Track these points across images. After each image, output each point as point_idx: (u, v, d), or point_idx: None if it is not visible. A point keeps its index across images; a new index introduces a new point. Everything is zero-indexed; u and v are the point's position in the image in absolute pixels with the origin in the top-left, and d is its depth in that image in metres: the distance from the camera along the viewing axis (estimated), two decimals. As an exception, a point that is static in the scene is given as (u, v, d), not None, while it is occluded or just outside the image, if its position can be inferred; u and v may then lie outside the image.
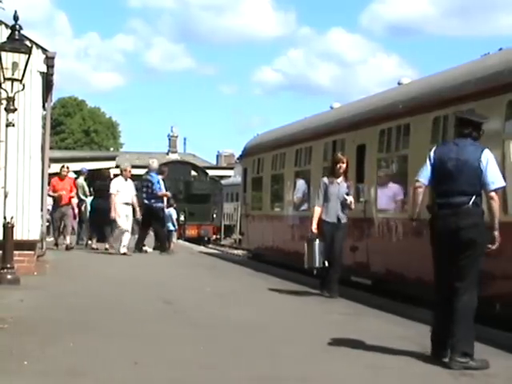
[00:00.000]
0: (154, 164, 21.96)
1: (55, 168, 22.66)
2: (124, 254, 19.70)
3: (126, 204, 19.98)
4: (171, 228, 23.56)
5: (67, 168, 22.37)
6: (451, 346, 7.61)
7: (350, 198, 12.93)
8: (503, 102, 11.24)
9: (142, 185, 21.25)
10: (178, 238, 25.17)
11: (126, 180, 20.30)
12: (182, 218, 23.83)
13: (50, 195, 21.60)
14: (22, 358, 7.30)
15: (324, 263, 12.70)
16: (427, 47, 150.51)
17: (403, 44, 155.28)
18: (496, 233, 7.74)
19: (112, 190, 19.94)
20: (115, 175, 23.97)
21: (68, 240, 21.53)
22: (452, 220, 7.65)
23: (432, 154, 7.93)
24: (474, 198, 7.68)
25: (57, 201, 21.59)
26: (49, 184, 20.40)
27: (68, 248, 21.20)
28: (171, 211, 23.49)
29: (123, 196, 19.96)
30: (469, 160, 7.72)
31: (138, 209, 20.36)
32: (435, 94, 13.52)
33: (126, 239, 20.04)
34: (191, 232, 25.20)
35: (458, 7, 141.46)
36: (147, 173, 21.76)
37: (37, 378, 6.69)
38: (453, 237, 7.64)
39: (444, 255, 7.79)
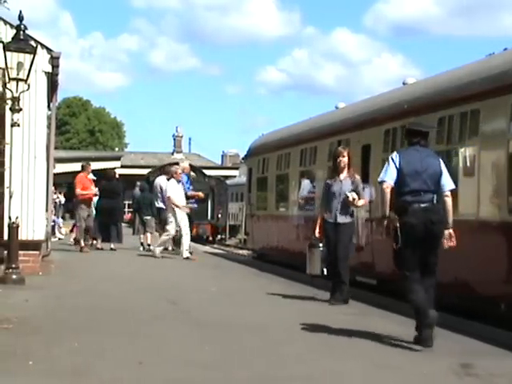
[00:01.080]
0: (185, 164, 21.88)
1: (60, 168, 22.58)
2: (187, 258, 19.22)
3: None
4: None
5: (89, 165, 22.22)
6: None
7: (352, 195, 11.89)
8: (508, 102, 11.23)
9: None
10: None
11: (178, 182, 19.89)
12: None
13: (82, 194, 20.97)
14: (26, 357, 7.31)
15: (323, 271, 12.47)
16: (432, 47, 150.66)
17: (408, 44, 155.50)
18: (451, 230, 8.64)
19: (170, 192, 19.54)
20: (117, 175, 23.92)
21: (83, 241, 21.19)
22: (423, 215, 8.41)
23: (396, 158, 8.61)
24: (436, 196, 8.59)
25: (86, 200, 21.07)
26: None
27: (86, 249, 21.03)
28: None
29: (178, 199, 19.59)
30: (432, 163, 8.64)
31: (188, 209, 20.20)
32: (440, 94, 13.50)
33: (187, 243, 19.66)
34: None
35: (462, 7, 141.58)
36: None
37: (41, 378, 6.70)
38: (425, 230, 8.41)
39: (416, 246, 8.45)
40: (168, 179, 22.80)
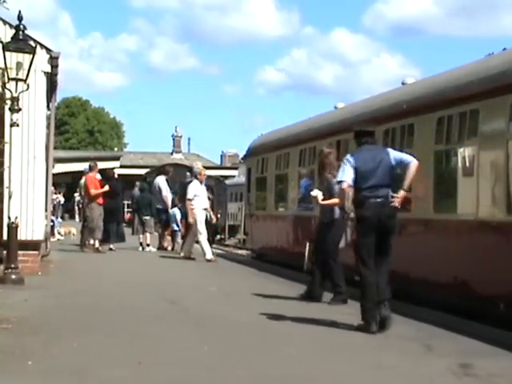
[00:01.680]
0: (198, 166, 21.84)
1: (59, 168, 22.46)
2: (209, 260, 18.96)
3: (205, 209, 19.37)
4: (175, 228, 23.59)
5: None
6: (387, 305, 9.15)
7: (312, 193, 12.11)
8: (507, 102, 11.23)
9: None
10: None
11: (201, 184, 19.47)
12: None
13: (97, 194, 20.83)
14: (25, 357, 7.31)
15: (303, 266, 12.57)
16: (431, 47, 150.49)
17: (407, 44, 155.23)
18: (403, 192, 9.43)
19: (190, 195, 19.07)
20: (116, 175, 23.89)
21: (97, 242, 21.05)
22: (379, 209, 9.26)
23: (351, 159, 9.48)
24: (390, 189, 9.40)
25: (95, 199, 20.86)
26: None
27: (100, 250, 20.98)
28: (175, 211, 23.50)
29: (202, 201, 19.22)
30: (383, 159, 9.47)
31: (212, 213, 20.13)
32: (439, 94, 13.51)
33: (207, 245, 19.38)
34: (185, 230, 25.74)
35: (461, 7, 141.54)
36: (191, 175, 21.65)
37: (40, 378, 6.70)
38: (380, 223, 9.26)
39: (372, 236, 9.29)
40: (167, 180, 22.86)
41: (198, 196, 19.17)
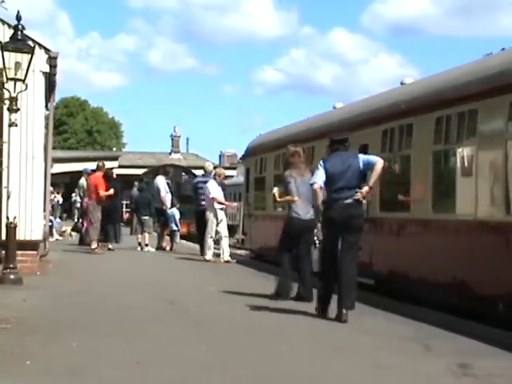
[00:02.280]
0: (210, 167, 21.79)
1: (58, 168, 22.40)
2: (228, 261, 18.95)
3: (222, 209, 19.45)
4: (174, 228, 23.58)
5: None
6: (341, 303, 9.93)
7: (273, 191, 13.16)
8: (505, 102, 11.22)
9: (198, 187, 20.92)
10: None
11: (218, 184, 19.60)
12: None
13: (100, 194, 20.59)
14: (24, 357, 7.31)
15: None
16: (429, 47, 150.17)
17: (405, 44, 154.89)
18: (368, 188, 10.21)
19: (213, 194, 19.15)
20: (115, 175, 23.83)
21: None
22: (345, 210, 10.03)
23: (323, 164, 10.36)
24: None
25: (101, 201, 20.73)
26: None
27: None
28: (174, 211, 23.50)
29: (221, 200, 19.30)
30: (352, 162, 10.25)
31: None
32: (438, 94, 13.50)
33: (227, 245, 19.48)
34: (182, 230, 25.76)
35: (460, 7, 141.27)
36: (202, 175, 21.60)
37: (39, 378, 6.70)
38: (346, 222, 10.02)
39: (336, 236, 10.15)
40: (166, 180, 22.88)
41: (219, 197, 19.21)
